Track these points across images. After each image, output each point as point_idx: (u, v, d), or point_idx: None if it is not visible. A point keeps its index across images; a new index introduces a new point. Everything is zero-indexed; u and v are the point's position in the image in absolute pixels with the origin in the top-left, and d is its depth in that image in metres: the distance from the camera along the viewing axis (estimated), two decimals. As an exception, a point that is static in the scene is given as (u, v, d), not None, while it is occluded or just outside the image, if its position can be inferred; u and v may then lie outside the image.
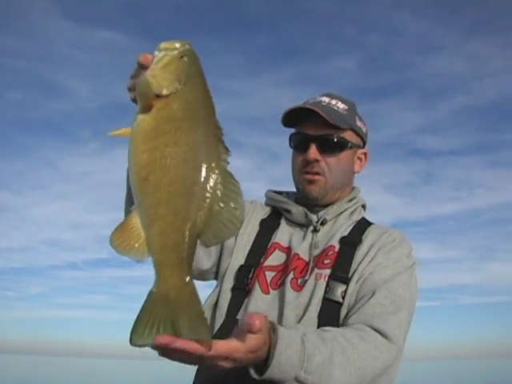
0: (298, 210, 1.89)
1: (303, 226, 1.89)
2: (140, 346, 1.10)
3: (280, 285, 1.75)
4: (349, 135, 1.87)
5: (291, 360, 1.30)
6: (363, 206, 2.00)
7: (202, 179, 1.10)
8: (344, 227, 1.84)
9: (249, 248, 1.85)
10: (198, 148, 1.12)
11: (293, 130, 1.93)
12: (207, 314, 1.76)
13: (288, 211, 1.91)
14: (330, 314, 1.65)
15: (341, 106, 1.88)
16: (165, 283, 1.09)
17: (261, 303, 1.72)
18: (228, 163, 1.15)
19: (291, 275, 1.74)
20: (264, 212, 1.99)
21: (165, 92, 1.12)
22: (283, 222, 1.92)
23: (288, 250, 1.83)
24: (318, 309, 1.65)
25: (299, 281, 1.73)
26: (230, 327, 1.59)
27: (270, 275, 1.77)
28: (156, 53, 1.15)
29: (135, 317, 1.10)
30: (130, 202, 1.43)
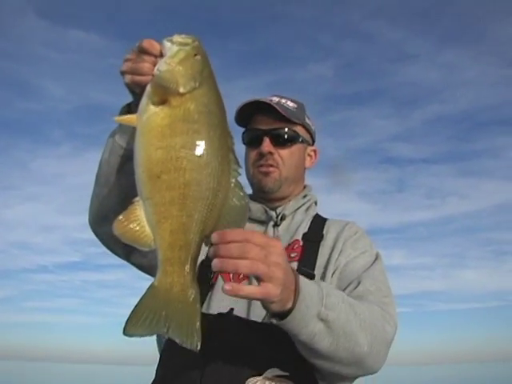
0: (256, 207, 1.91)
1: (263, 222, 1.91)
2: (132, 335, 1.13)
3: (243, 279, 1.70)
4: (300, 130, 1.92)
5: (312, 296, 1.32)
6: (315, 203, 2.04)
7: (215, 186, 1.14)
8: (304, 223, 1.88)
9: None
10: (213, 154, 1.14)
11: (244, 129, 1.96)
12: None
13: None
14: None
15: (290, 104, 1.93)
16: (170, 279, 1.13)
17: (224, 296, 1.59)
18: (239, 174, 1.20)
19: None
20: None
21: (182, 90, 1.14)
22: None
23: None
24: None
25: None
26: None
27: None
28: (167, 44, 1.17)
29: (133, 307, 1.13)
30: (106, 185, 1.51)
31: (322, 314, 1.35)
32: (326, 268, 1.73)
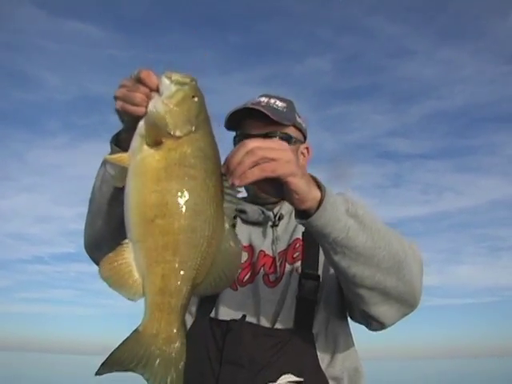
0: (252, 209, 1.86)
1: (260, 223, 1.87)
2: (102, 374, 1.09)
3: (247, 282, 1.74)
4: (291, 131, 1.87)
5: (338, 197, 1.32)
6: None
7: (210, 234, 1.13)
8: (300, 226, 1.82)
9: None
10: (209, 201, 1.13)
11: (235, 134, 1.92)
12: None
13: (242, 211, 1.87)
14: (306, 312, 1.64)
15: (279, 104, 1.87)
16: (157, 325, 1.09)
17: (231, 299, 1.69)
18: (234, 225, 1.22)
19: (262, 272, 1.73)
20: None
21: (179, 133, 1.12)
22: (238, 222, 1.89)
23: (249, 249, 1.81)
24: (294, 308, 1.65)
25: (271, 277, 1.72)
26: (204, 326, 1.65)
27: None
28: (165, 81, 1.14)
29: (112, 349, 1.08)
30: (98, 213, 1.48)
31: (350, 210, 1.33)
32: (329, 268, 1.70)
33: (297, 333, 1.60)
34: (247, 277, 1.75)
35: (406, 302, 1.48)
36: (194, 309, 1.72)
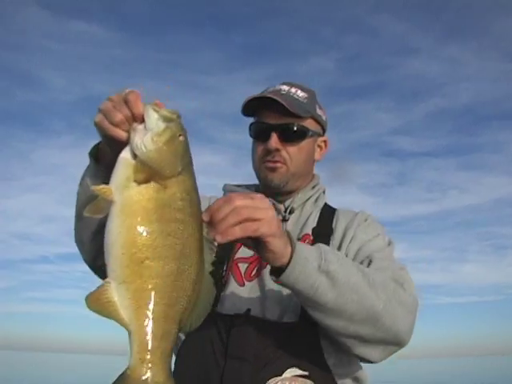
0: None
1: None
2: None
3: (255, 276, 1.74)
4: (309, 123, 1.86)
5: (310, 250, 1.38)
6: (324, 192, 2.01)
7: (195, 278, 1.15)
8: (313, 215, 1.86)
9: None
10: (194, 245, 1.15)
11: (252, 120, 1.90)
12: None
13: None
14: None
15: (300, 94, 1.86)
16: (146, 368, 1.08)
17: (237, 296, 1.70)
18: (212, 268, 1.21)
19: (269, 266, 1.66)
20: None
21: (168, 173, 1.12)
22: None
23: None
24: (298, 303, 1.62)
25: None
26: (210, 322, 1.59)
27: (243, 266, 1.76)
28: (153, 114, 1.13)
29: None
30: (85, 232, 1.53)
31: (322, 267, 1.37)
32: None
33: (302, 326, 1.59)
34: (254, 272, 1.75)
35: (391, 344, 1.52)
36: None
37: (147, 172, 1.11)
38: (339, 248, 1.74)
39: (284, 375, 1.51)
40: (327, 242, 1.74)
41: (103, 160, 1.38)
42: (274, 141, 1.78)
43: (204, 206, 1.86)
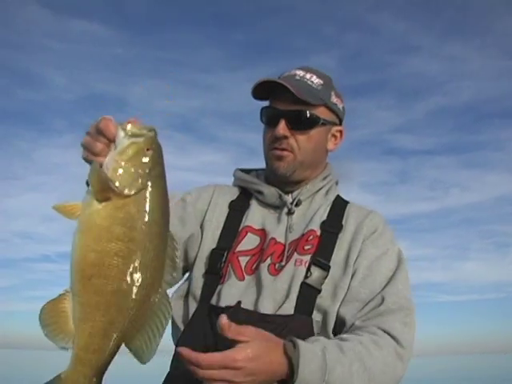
0: (270, 191, 1.82)
1: (276, 207, 1.83)
2: None
3: (255, 270, 1.71)
4: (321, 111, 1.78)
5: (314, 374, 1.37)
6: (336, 183, 1.95)
7: (142, 298, 1.14)
8: (322, 209, 1.81)
9: (219, 232, 1.80)
10: (146, 266, 1.13)
11: (264, 104, 1.85)
12: (177, 305, 1.74)
13: (259, 192, 1.85)
14: (308, 301, 1.63)
15: (315, 80, 1.79)
16: (77, 378, 1.13)
17: (235, 290, 1.67)
18: (170, 286, 1.20)
19: (268, 261, 1.70)
20: (232, 193, 1.93)
21: (126, 192, 1.11)
22: (254, 202, 1.86)
23: (262, 233, 1.78)
24: (296, 295, 1.63)
25: (277, 265, 1.69)
26: (204, 314, 1.64)
27: (243, 260, 1.73)
28: (120, 133, 1.14)
29: None
30: None
31: (326, 380, 1.38)
32: (344, 266, 1.69)
33: (296, 318, 1.59)
34: (255, 266, 1.72)
35: None
36: (198, 293, 1.71)
37: (105, 191, 1.10)
38: (347, 256, 1.70)
39: None
40: (335, 240, 1.72)
41: None
42: (281, 127, 1.73)
43: (204, 198, 1.89)
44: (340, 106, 1.87)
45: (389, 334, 1.57)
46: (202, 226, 1.82)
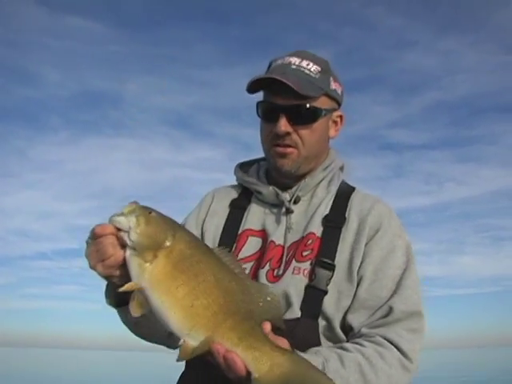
0: (268, 191, 1.79)
1: (276, 205, 1.79)
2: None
3: (254, 277, 1.68)
4: (322, 102, 1.71)
5: None
6: (341, 168, 1.89)
7: (240, 289, 1.30)
8: (323, 204, 1.75)
9: (218, 239, 1.78)
10: (221, 266, 1.31)
11: (258, 97, 1.77)
12: None
13: (258, 192, 1.82)
14: (315, 304, 1.60)
15: (313, 68, 1.70)
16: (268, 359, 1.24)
17: None
18: (246, 275, 1.36)
19: (267, 267, 1.68)
20: (233, 193, 1.91)
21: (165, 241, 1.27)
22: (254, 200, 1.85)
23: (262, 234, 1.76)
24: (300, 300, 1.60)
25: (275, 272, 1.66)
26: None
27: (246, 267, 1.69)
28: (121, 219, 1.28)
29: None
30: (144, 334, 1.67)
31: None
32: (348, 271, 1.64)
33: (301, 322, 1.57)
34: (255, 273, 1.69)
35: None
36: None
37: (150, 251, 1.26)
38: (351, 257, 1.65)
39: None
40: (338, 235, 1.68)
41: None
42: (283, 124, 1.66)
43: (209, 202, 1.91)
44: (339, 90, 1.80)
45: (395, 345, 1.53)
46: (202, 238, 1.80)
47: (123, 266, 1.32)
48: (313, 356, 1.43)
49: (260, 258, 1.71)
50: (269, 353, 1.24)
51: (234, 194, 1.92)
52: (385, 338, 1.54)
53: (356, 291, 1.63)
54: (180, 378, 1.72)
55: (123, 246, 1.30)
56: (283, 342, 1.31)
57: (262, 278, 1.66)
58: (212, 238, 1.80)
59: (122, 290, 1.25)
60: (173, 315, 1.24)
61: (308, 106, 1.67)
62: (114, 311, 1.55)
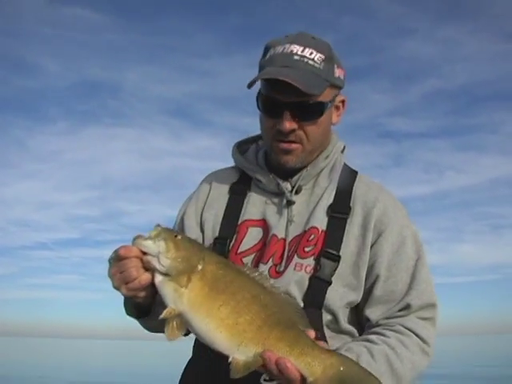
0: (268, 180, 1.74)
1: (277, 194, 1.74)
2: None
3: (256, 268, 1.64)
4: (327, 94, 1.64)
5: None
6: (343, 149, 1.84)
7: (274, 302, 1.35)
8: (326, 195, 1.71)
9: (218, 229, 1.74)
10: (252, 283, 1.35)
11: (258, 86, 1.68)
12: None
13: (258, 180, 1.77)
14: (317, 293, 1.60)
15: (316, 56, 1.60)
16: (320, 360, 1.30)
17: None
18: (276, 287, 1.39)
19: (270, 263, 1.65)
20: (232, 177, 1.86)
21: (197, 263, 1.32)
22: (253, 187, 1.80)
23: (263, 223, 1.72)
24: (303, 293, 1.60)
25: (277, 268, 1.64)
26: None
27: (247, 261, 1.68)
28: (149, 243, 1.31)
29: None
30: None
31: None
32: (353, 266, 1.64)
33: (307, 314, 1.51)
34: (254, 264, 1.67)
35: None
36: None
37: (184, 275, 1.30)
38: (357, 248, 1.66)
39: None
40: (343, 225, 1.66)
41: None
42: (287, 122, 1.59)
43: (197, 204, 1.84)
44: (342, 75, 1.72)
45: (414, 332, 1.60)
46: (201, 229, 1.79)
47: (147, 288, 1.36)
48: (347, 353, 1.46)
49: (261, 250, 1.68)
50: (319, 356, 1.29)
51: (233, 178, 1.86)
52: (404, 327, 1.60)
53: (372, 289, 1.64)
54: (186, 366, 1.76)
55: (147, 269, 1.33)
56: (325, 345, 1.37)
57: (267, 268, 1.65)
58: (211, 228, 1.76)
59: (161, 317, 1.29)
60: (219, 335, 1.29)
61: (313, 101, 1.60)
62: (115, 300, 1.62)
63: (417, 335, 1.60)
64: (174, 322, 1.30)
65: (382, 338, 1.57)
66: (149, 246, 1.31)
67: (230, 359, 1.28)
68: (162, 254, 1.30)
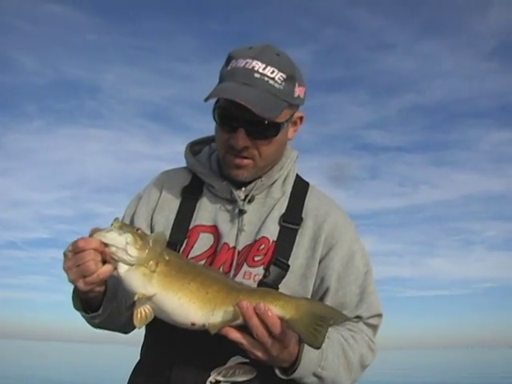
0: (221, 186, 1.72)
1: (229, 200, 1.73)
2: None
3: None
4: (284, 114, 1.61)
5: (313, 359, 1.51)
6: (295, 159, 1.84)
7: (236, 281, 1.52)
8: (278, 205, 1.72)
9: (169, 233, 1.70)
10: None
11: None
12: None
13: (211, 185, 1.75)
14: None
15: (277, 76, 1.56)
16: None
17: None
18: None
19: (220, 270, 1.63)
20: (185, 178, 1.84)
21: (161, 250, 1.39)
22: (206, 192, 1.77)
23: (213, 230, 1.70)
24: None
25: (227, 276, 1.61)
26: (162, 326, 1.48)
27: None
28: (114, 234, 1.33)
29: None
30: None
31: (317, 373, 1.53)
32: (302, 275, 1.67)
33: None
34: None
35: None
36: None
37: (153, 262, 1.36)
38: (305, 260, 1.68)
39: (228, 363, 1.55)
40: (294, 235, 1.68)
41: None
42: (241, 139, 1.58)
43: (149, 205, 1.81)
44: (302, 94, 1.69)
45: (362, 331, 1.73)
46: (151, 231, 1.76)
47: (104, 282, 1.40)
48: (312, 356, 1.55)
49: (212, 256, 1.67)
50: (290, 300, 1.40)
51: (185, 180, 1.82)
52: (354, 327, 1.72)
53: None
54: (134, 369, 1.76)
55: (104, 261, 1.34)
56: None
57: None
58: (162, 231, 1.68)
59: (134, 299, 1.34)
60: (192, 305, 1.36)
61: (269, 122, 1.57)
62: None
63: (366, 334, 1.72)
64: (143, 308, 1.35)
65: (335, 329, 1.65)
66: (115, 238, 1.33)
67: (206, 326, 1.36)
68: (129, 245, 1.32)
